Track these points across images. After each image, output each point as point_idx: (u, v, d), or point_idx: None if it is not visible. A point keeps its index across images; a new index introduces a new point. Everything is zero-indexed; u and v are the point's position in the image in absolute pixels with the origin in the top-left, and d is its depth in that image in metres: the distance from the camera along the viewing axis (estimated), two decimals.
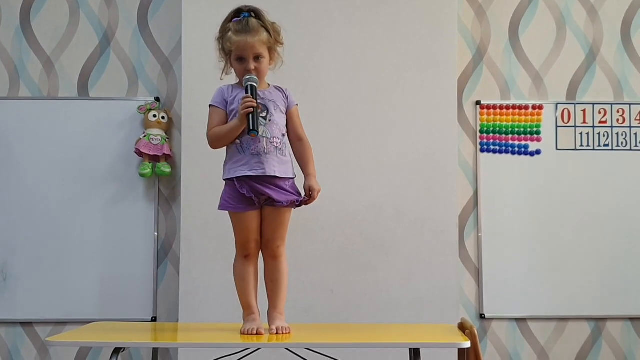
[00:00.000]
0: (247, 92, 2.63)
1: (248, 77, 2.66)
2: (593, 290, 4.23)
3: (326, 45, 4.07)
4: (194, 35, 4.02)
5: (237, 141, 2.66)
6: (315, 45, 4.05)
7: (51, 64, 4.28)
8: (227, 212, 2.72)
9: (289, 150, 2.75)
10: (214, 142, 2.72)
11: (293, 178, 2.73)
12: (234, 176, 2.65)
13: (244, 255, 2.72)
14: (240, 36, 2.66)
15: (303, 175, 2.76)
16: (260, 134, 2.63)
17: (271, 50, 2.72)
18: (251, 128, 2.58)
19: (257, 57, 2.68)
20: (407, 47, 4.08)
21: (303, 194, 2.72)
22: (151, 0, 4.31)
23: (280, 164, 2.67)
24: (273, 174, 2.65)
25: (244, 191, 2.63)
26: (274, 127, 2.69)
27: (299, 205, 2.72)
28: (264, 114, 2.67)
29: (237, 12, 2.72)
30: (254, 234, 2.71)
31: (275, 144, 2.67)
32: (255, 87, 2.64)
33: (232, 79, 2.81)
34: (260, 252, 2.77)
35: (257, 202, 2.66)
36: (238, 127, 2.63)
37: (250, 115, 2.58)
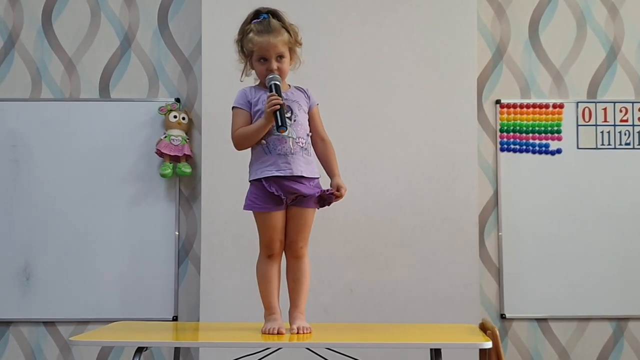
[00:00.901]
0: (271, 91, 2.64)
1: (271, 76, 2.66)
2: (614, 290, 4.20)
3: (344, 45, 4.07)
4: (214, 36, 4.04)
5: (263, 142, 2.67)
6: (333, 45, 4.06)
7: (73, 66, 4.32)
8: (249, 212, 2.72)
9: (312, 149, 2.76)
10: (240, 142, 2.71)
11: (318, 178, 2.74)
12: (262, 176, 2.66)
13: (268, 255, 2.73)
14: (262, 36, 2.67)
15: (327, 175, 2.77)
16: (287, 134, 2.64)
17: (291, 50, 2.73)
18: (279, 124, 2.59)
19: (279, 57, 2.69)
20: (426, 46, 4.08)
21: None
22: (171, 2, 4.34)
23: (306, 164, 2.69)
24: (300, 174, 2.65)
25: (273, 189, 2.63)
26: (299, 127, 2.70)
27: (324, 204, 2.72)
28: (288, 115, 2.67)
29: (256, 14, 2.74)
30: (279, 234, 2.71)
31: (300, 144, 2.68)
32: (279, 85, 2.65)
33: (250, 81, 2.82)
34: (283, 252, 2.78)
35: (285, 201, 2.67)
36: (264, 126, 2.64)
37: (278, 112, 2.59)
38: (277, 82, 2.65)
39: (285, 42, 2.70)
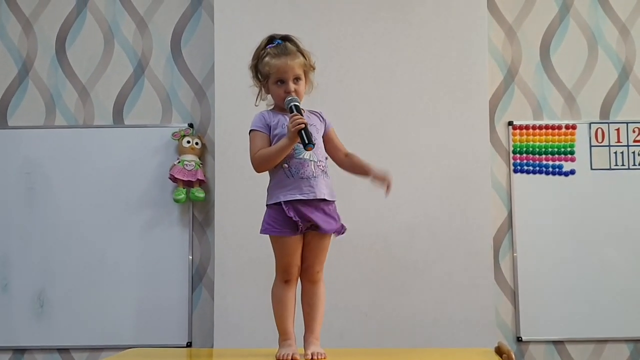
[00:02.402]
0: (292, 112, 2.63)
1: (290, 98, 2.66)
2: (631, 311, 4.16)
3: (357, 69, 4.09)
4: (227, 62, 4.06)
5: (285, 165, 2.66)
6: (346, 69, 4.07)
7: (86, 93, 4.35)
8: (263, 236, 2.71)
9: (330, 173, 2.75)
10: (261, 164, 2.68)
11: (335, 201, 2.73)
12: (284, 200, 2.64)
13: (284, 280, 2.71)
14: (280, 59, 2.68)
15: (365, 176, 2.73)
16: (308, 157, 2.64)
17: (306, 74, 2.74)
18: (307, 142, 2.57)
19: (296, 79, 2.70)
20: (438, 69, 4.09)
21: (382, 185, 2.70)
22: (184, 28, 4.38)
23: (327, 187, 2.68)
24: (323, 197, 2.65)
25: (292, 214, 2.63)
26: (319, 151, 2.69)
27: (340, 233, 2.72)
28: None
29: (270, 39, 2.75)
30: (297, 259, 2.69)
31: (321, 167, 2.68)
32: (299, 106, 2.65)
33: (264, 106, 2.83)
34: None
35: (301, 227, 2.66)
36: (288, 146, 2.62)
37: (302, 131, 2.58)
38: (297, 103, 2.65)
39: (301, 64, 2.70)
